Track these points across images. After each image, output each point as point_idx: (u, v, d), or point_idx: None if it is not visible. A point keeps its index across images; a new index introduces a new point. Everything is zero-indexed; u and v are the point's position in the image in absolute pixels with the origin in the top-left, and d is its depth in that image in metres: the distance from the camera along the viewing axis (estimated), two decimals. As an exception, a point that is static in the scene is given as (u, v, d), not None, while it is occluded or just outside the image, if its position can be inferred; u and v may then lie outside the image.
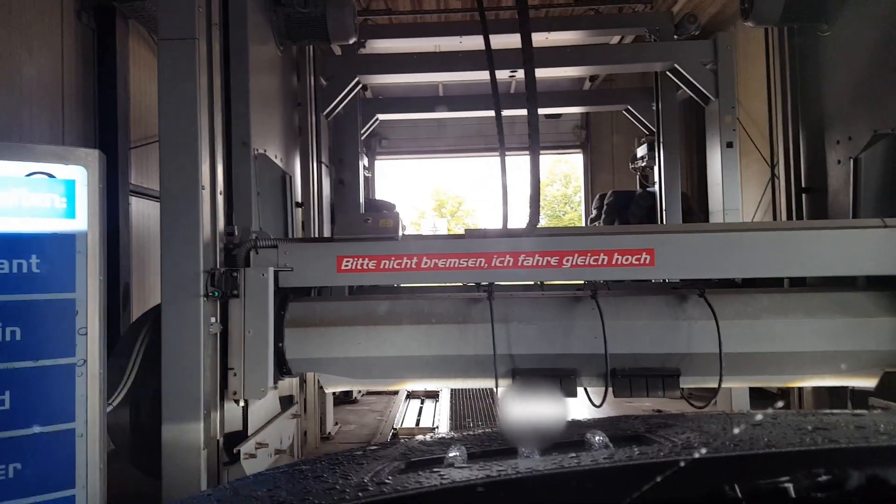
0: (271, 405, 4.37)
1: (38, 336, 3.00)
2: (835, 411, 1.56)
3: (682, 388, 4.24)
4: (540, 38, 7.98)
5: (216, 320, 3.82)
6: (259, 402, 4.08)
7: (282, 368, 4.16)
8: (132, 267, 6.60)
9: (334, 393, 7.51)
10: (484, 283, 4.30)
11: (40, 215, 2.99)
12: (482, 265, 4.13)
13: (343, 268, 4.06)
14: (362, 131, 8.37)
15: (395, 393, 8.83)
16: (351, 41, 5.58)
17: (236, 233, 4.03)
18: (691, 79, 7.45)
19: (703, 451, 1.15)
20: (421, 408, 8.38)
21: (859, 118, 5.01)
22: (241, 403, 3.98)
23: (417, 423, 7.82)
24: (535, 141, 4.03)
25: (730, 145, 7.52)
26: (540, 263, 4.14)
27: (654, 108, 8.87)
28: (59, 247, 3.04)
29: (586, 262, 4.15)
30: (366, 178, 9.95)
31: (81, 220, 3.09)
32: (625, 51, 8.45)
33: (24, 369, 2.97)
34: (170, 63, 3.72)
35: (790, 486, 1.01)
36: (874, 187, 4.78)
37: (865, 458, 1.13)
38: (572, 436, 1.38)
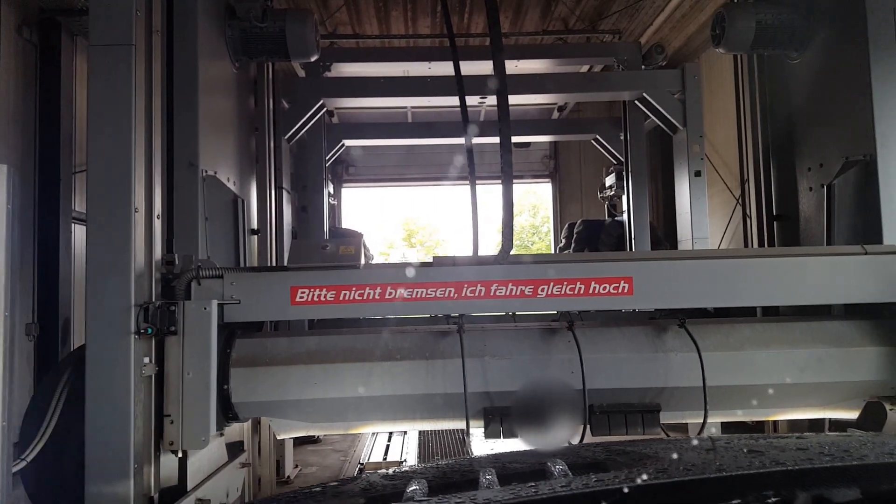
0: (216, 454, 3.82)
1: (-78, 384, 2.45)
2: (784, 435, 1.56)
3: (662, 425, 3.89)
4: (509, 66, 7.68)
5: (150, 361, 3.28)
6: (201, 451, 3.54)
7: (227, 414, 3.63)
8: (74, 301, 5.98)
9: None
10: (454, 315, 3.88)
11: (-71, 240, 2.46)
12: (452, 295, 3.71)
13: (298, 300, 3.58)
14: (327, 157, 7.92)
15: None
16: (312, 59, 5.16)
17: (177, 261, 3.52)
18: (659, 108, 7.25)
19: (656, 476, 1.15)
20: (388, 445, 7.83)
21: (830, 145, 4.87)
22: (180, 454, 3.42)
23: (385, 458, 7.32)
24: (508, 163, 3.67)
25: (698, 174, 7.32)
26: (513, 293, 3.75)
27: (623, 137, 8.66)
28: (-49, 278, 2.50)
29: (562, 292, 3.78)
30: (331, 206, 9.47)
31: (-19, 246, 2.57)
32: (594, 79, 8.24)
33: None
34: (102, 71, 3.24)
35: None
36: (847, 214, 4.62)
37: (810, 479, 1.15)
38: (534, 465, 1.36)
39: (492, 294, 3.73)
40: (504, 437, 3.75)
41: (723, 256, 4.06)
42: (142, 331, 3.17)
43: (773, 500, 1.04)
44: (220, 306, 3.49)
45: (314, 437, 7.57)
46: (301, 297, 3.56)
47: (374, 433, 8.25)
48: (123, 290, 3.15)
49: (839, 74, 4.74)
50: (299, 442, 7.30)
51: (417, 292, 3.66)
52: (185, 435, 3.33)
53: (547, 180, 12.53)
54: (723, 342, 3.92)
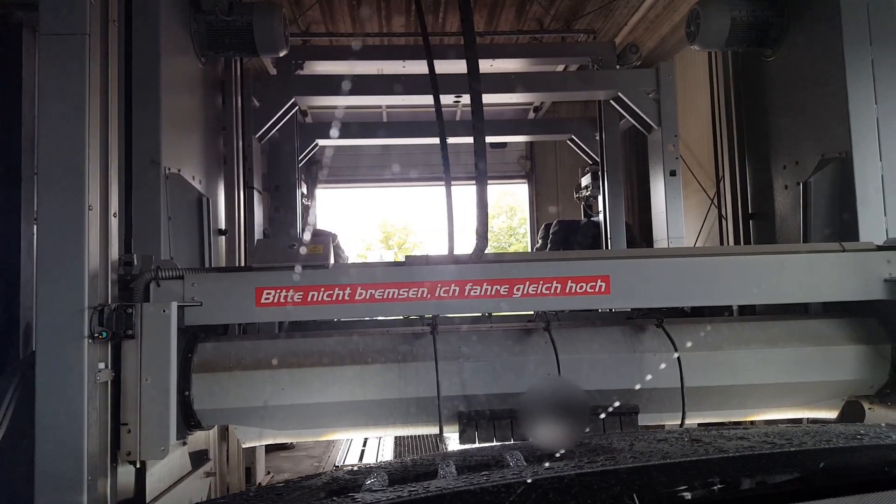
0: (178, 463, 3.62)
1: None
2: (731, 427, 1.56)
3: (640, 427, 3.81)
4: (484, 66, 7.61)
5: (106, 366, 3.09)
6: (161, 461, 3.35)
7: (189, 422, 3.45)
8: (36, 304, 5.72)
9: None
10: (427, 316, 3.75)
11: None
12: (425, 295, 3.58)
13: (263, 301, 3.41)
14: (300, 157, 7.74)
15: (335, 434, 8.04)
16: (281, 53, 4.99)
17: (135, 262, 3.33)
18: (634, 107, 7.20)
19: (603, 464, 1.18)
20: (363, 450, 7.66)
21: (806, 142, 4.82)
22: (138, 465, 3.23)
23: (361, 460, 7.16)
24: (482, 157, 3.56)
25: (673, 173, 7.27)
26: (488, 293, 3.64)
27: (598, 137, 8.60)
28: None
29: (538, 291, 3.67)
30: (305, 207, 9.28)
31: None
32: (569, 78, 8.17)
33: None
34: (53, 62, 3.04)
35: (685, 493, 1.06)
36: (823, 212, 4.57)
37: (751, 465, 1.18)
38: (493, 458, 1.40)
39: (466, 294, 3.61)
40: (480, 441, 3.63)
41: (701, 255, 3.99)
42: (96, 335, 2.97)
43: (719, 485, 1.08)
44: (181, 309, 3.31)
45: (287, 442, 7.36)
46: (266, 299, 3.39)
47: (350, 438, 8.07)
48: (76, 292, 2.95)
49: (814, 71, 4.70)
50: (271, 448, 7.09)
51: (389, 293, 3.53)
52: (143, 445, 3.13)
53: (523, 181, 12.45)
54: (700, 342, 3.84)
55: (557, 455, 1.39)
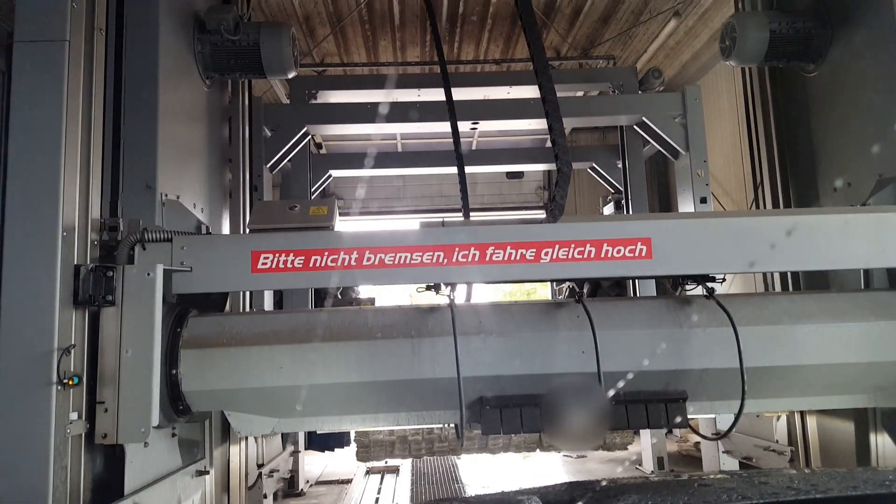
0: (166, 456, 3.08)
1: None
2: (754, 471, 1.44)
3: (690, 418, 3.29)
4: (501, 93, 7.27)
5: (80, 416, 2.62)
6: (146, 450, 2.84)
7: (177, 405, 2.96)
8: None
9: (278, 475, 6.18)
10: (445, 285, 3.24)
11: None
12: (441, 261, 3.08)
13: (260, 267, 2.95)
14: (314, 189, 7.35)
15: (349, 482, 7.47)
16: (290, 75, 4.61)
17: (121, 226, 2.91)
18: (660, 132, 6.74)
19: None
20: (378, 497, 7.06)
21: (858, 162, 4.33)
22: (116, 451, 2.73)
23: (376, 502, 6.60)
24: (561, 134, 3.19)
25: (703, 201, 6.74)
26: (513, 258, 3.12)
27: (620, 165, 8.14)
28: None
29: (570, 256, 3.16)
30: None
31: None
32: (593, 103, 7.74)
33: None
34: (27, 71, 2.66)
35: None
36: None
37: None
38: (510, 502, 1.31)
39: (488, 259, 3.09)
40: (504, 432, 3.08)
41: (756, 216, 3.45)
42: (65, 381, 2.51)
43: None
44: (169, 274, 2.86)
45: (297, 490, 6.79)
46: (264, 264, 2.94)
47: (364, 483, 7.49)
48: (44, 331, 2.50)
49: (865, 85, 4.23)
50: (281, 496, 6.54)
51: (401, 258, 3.04)
52: (121, 425, 2.67)
53: (541, 212, 11.99)
54: (756, 316, 3.27)
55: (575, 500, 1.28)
